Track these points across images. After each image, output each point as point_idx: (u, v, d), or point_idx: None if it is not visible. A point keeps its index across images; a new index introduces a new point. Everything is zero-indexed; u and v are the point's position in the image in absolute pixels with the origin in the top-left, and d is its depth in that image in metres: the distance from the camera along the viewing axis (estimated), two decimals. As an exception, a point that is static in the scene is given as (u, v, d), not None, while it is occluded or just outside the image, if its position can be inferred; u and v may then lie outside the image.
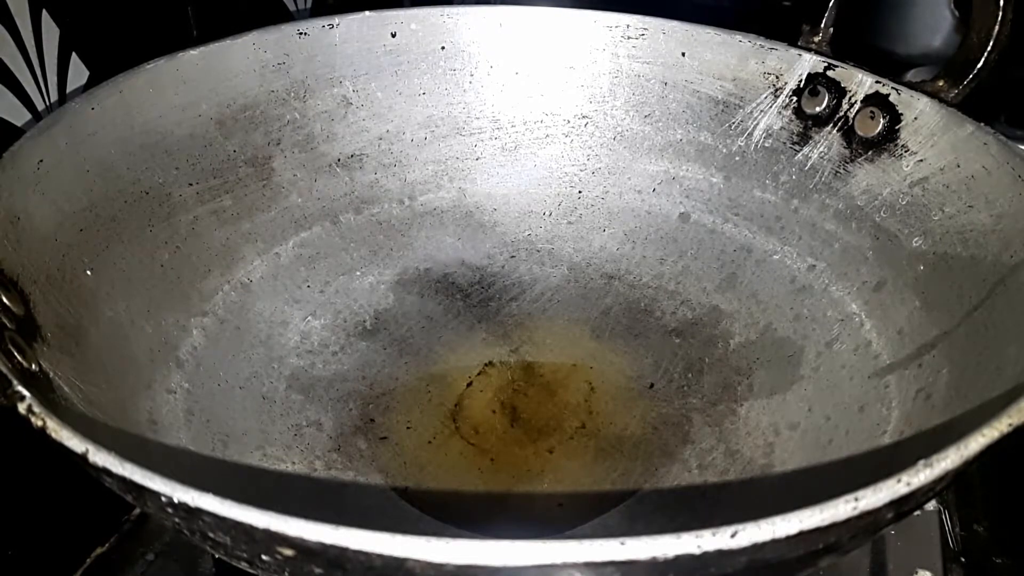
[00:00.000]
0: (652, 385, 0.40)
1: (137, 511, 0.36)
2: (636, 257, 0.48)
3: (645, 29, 0.47)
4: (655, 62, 0.47)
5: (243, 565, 0.20)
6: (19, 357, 0.26)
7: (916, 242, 0.38)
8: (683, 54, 0.46)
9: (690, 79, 0.46)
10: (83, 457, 0.19)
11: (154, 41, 0.49)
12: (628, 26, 0.47)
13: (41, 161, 0.33)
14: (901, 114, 0.39)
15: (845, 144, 0.42)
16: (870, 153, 0.41)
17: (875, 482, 0.18)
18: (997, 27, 0.37)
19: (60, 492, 0.35)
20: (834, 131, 0.42)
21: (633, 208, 0.49)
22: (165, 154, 0.40)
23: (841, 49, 0.43)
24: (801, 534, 0.17)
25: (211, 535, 0.18)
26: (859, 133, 0.41)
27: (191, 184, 0.41)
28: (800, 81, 0.43)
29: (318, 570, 0.18)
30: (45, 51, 0.43)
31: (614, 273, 0.47)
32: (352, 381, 0.40)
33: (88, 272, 0.33)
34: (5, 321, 0.27)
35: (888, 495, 0.18)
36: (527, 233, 0.49)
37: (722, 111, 0.46)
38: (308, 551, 0.17)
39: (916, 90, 0.39)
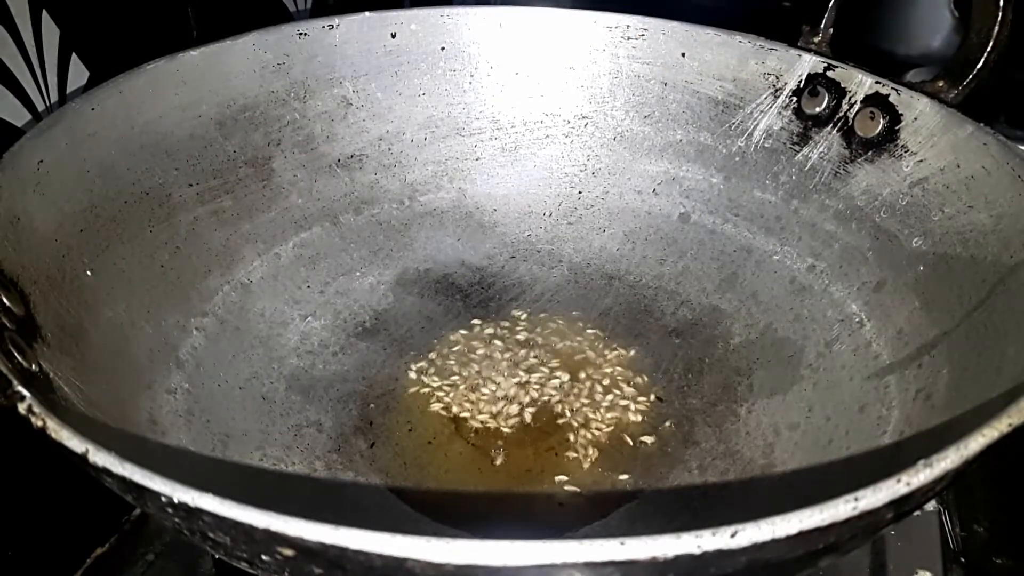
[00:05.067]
0: (661, 399, 0.40)
1: (137, 511, 0.35)
2: (636, 257, 0.48)
3: (645, 30, 0.47)
4: (655, 62, 0.47)
5: (243, 565, 0.20)
6: (19, 357, 0.26)
7: (916, 242, 0.38)
8: (683, 55, 0.46)
9: (690, 80, 0.46)
10: (83, 457, 0.19)
11: (154, 41, 0.49)
12: (628, 26, 0.47)
13: (41, 161, 0.33)
14: (901, 114, 0.39)
15: (845, 144, 0.42)
16: (870, 153, 0.41)
17: (875, 482, 0.18)
18: (997, 27, 0.37)
19: (60, 492, 0.35)
20: (834, 131, 0.42)
21: (633, 208, 0.49)
22: (165, 155, 0.40)
23: (841, 49, 0.43)
24: (801, 534, 0.17)
25: (211, 535, 0.18)
26: (859, 133, 0.41)
27: (191, 185, 0.41)
28: (800, 81, 0.43)
29: (318, 570, 0.18)
30: (45, 51, 0.43)
31: (614, 273, 0.47)
32: (352, 381, 0.40)
33: (88, 272, 0.33)
34: (5, 321, 0.27)
35: (888, 495, 0.18)
36: (527, 234, 0.49)
37: (722, 111, 0.46)
38: (308, 551, 0.17)
39: (916, 90, 0.39)
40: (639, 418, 0.39)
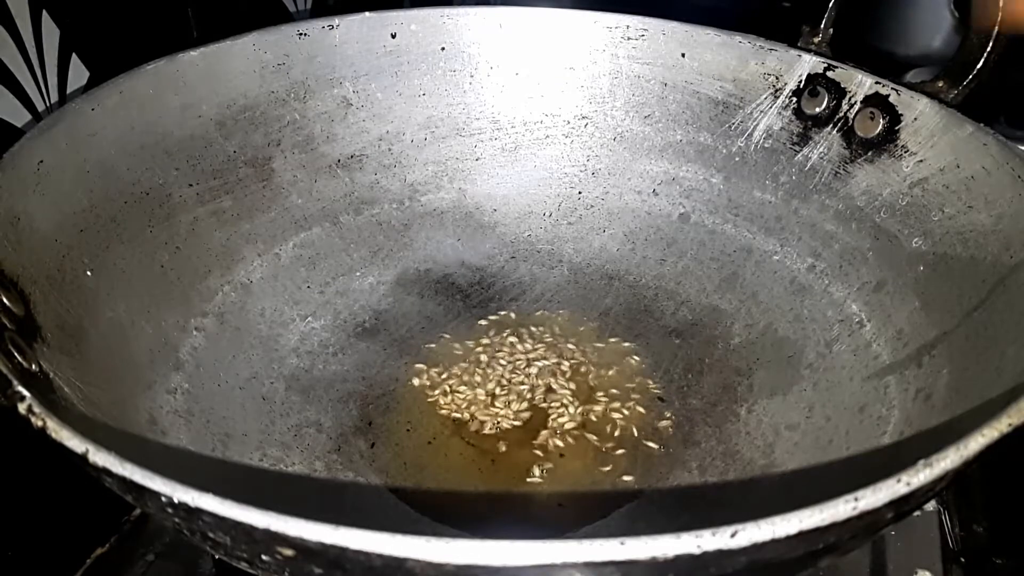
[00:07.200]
0: (661, 399, 0.40)
1: (137, 511, 0.35)
2: (636, 258, 0.48)
3: (645, 30, 0.47)
4: (655, 63, 0.47)
5: (243, 565, 0.20)
6: (19, 357, 0.26)
7: (916, 243, 0.38)
8: (683, 55, 0.46)
9: (690, 80, 0.46)
10: (83, 457, 0.19)
11: (154, 42, 0.49)
12: (628, 27, 0.47)
13: (41, 162, 0.33)
14: (901, 115, 0.39)
15: (845, 145, 0.42)
16: (870, 154, 0.41)
17: (875, 482, 0.18)
18: (997, 27, 0.37)
19: (60, 492, 0.35)
20: (834, 132, 0.42)
21: (633, 209, 0.49)
22: (165, 155, 0.40)
23: (841, 50, 0.43)
24: (801, 534, 0.17)
25: (211, 535, 0.18)
26: (859, 134, 0.41)
27: (191, 185, 0.41)
28: (800, 82, 0.43)
29: (318, 570, 0.18)
30: (45, 52, 0.43)
31: (614, 274, 0.47)
32: (352, 382, 0.40)
33: (88, 272, 0.33)
34: (5, 321, 0.27)
35: (888, 495, 0.18)
36: (527, 234, 0.49)
37: (722, 112, 0.46)
38: (308, 551, 0.17)
39: (916, 91, 0.39)
40: (639, 418, 0.39)
